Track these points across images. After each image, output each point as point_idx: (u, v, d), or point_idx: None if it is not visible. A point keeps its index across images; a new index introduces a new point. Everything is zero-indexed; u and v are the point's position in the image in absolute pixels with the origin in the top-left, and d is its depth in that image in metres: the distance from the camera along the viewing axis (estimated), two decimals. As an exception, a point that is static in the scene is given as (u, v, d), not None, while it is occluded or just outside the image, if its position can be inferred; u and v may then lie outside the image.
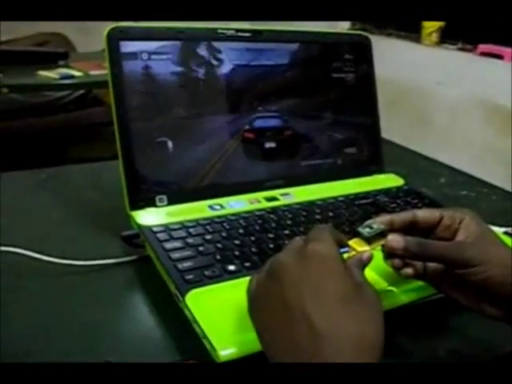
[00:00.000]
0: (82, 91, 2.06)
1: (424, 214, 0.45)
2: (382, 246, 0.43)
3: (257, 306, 0.37)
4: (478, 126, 1.86)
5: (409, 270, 0.44)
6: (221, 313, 0.43)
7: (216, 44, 0.64)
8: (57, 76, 1.55)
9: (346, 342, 0.32)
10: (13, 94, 1.80)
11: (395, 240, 0.43)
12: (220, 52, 0.64)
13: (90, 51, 1.97)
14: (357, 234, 0.43)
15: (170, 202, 0.60)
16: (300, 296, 0.34)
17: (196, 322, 0.42)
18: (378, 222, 0.44)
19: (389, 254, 0.43)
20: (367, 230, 0.43)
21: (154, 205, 0.59)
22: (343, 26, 2.30)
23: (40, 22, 2.27)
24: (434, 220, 0.45)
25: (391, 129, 1.03)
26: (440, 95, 1.98)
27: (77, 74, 1.59)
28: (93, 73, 1.61)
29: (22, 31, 2.18)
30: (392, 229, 0.44)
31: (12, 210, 0.66)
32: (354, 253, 0.42)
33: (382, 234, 0.43)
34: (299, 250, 0.37)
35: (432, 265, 0.44)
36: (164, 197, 0.60)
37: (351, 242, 0.43)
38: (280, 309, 0.34)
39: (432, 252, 0.42)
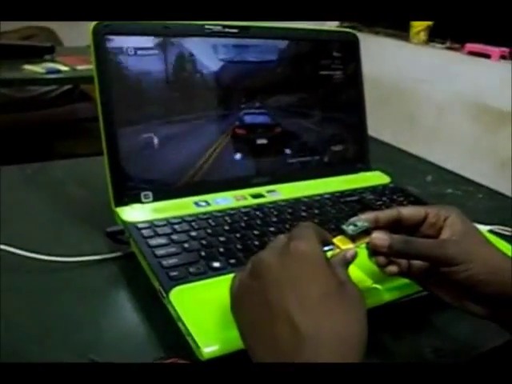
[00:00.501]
0: (68, 86, 2.04)
1: (409, 212, 0.45)
2: (367, 243, 0.43)
3: (239, 304, 0.37)
4: (465, 125, 1.87)
5: (393, 268, 0.44)
6: (205, 310, 0.43)
7: (203, 40, 0.64)
8: (43, 70, 1.53)
9: (328, 342, 0.32)
10: (-1, 88, 1.79)
11: (380, 238, 0.42)
12: (207, 48, 0.64)
13: (77, 46, 1.95)
14: (341, 232, 0.43)
15: (156, 199, 0.59)
16: (282, 295, 0.34)
17: (180, 319, 0.42)
18: (363, 220, 0.43)
19: (373, 251, 0.43)
20: (351, 227, 0.43)
21: (139, 201, 0.59)
22: (331, 24, 2.30)
23: (26, 16, 2.25)
24: (418, 217, 0.45)
25: (379, 127, 1.03)
26: (428, 94, 1.99)
27: (63, 68, 1.57)
28: (79, 67, 1.59)
29: (7, 25, 2.16)
30: (377, 226, 0.44)
31: (-5, 205, 0.65)
32: (338, 250, 0.41)
33: (366, 232, 0.43)
34: (282, 248, 0.37)
35: (417, 262, 0.44)
36: (149, 193, 0.59)
37: (335, 240, 0.42)
38: (262, 308, 0.34)
39: (416, 250, 0.42)
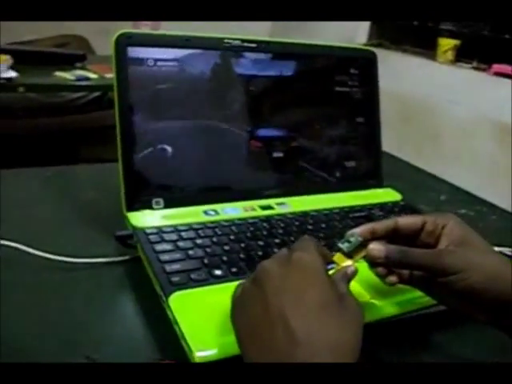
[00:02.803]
0: (98, 93, 2.10)
1: (405, 221, 0.46)
2: (365, 256, 0.44)
3: (239, 310, 0.38)
4: (489, 145, 1.85)
5: (393, 278, 0.44)
6: (202, 315, 0.44)
7: (222, 54, 0.65)
8: (72, 77, 1.57)
9: (321, 348, 0.33)
10: (30, 93, 1.84)
11: (376, 249, 0.43)
12: (225, 61, 0.66)
13: (108, 54, 2.00)
14: (338, 250, 0.44)
15: (167, 206, 0.61)
16: (281, 301, 0.35)
17: (176, 322, 0.43)
18: (357, 234, 0.44)
19: (372, 262, 0.44)
20: (346, 244, 0.44)
21: (150, 207, 0.60)
22: (360, 41, 2.31)
23: (62, 24, 2.32)
24: (415, 226, 0.45)
25: (402, 144, 1.03)
26: (452, 113, 1.98)
27: (92, 76, 1.62)
28: (108, 75, 1.64)
29: (44, 32, 2.23)
30: (375, 237, 0.45)
31: (13, 205, 0.67)
32: (338, 268, 0.42)
33: (362, 245, 0.44)
34: (284, 258, 0.38)
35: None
36: (160, 200, 0.61)
37: (335, 258, 0.43)
38: (261, 313, 0.35)
39: (412, 260, 0.42)
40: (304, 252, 0.38)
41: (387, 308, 0.48)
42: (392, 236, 0.45)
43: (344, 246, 0.43)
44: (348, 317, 0.35)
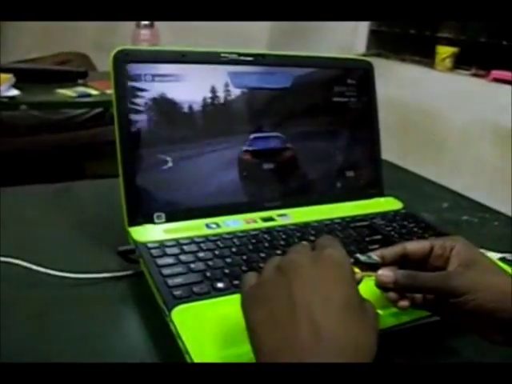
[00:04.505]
0: (100, 109, 2.11)
1: (414, 246, 0.47)
2: (376, 277, 0.45)
3: (255, 299, 0.37)
4: (489, 152, 1.85)
5: (405, 303, 0.45)
6: (205, 329, 0.44)
7: (219, 67, 0.66)
8: (74, 94, 1.58)
9: (344, 347, 0.33)
10: (33, 110, 1.86)
11: (385, 274, 0.44)
12: (222, 75, 0.66)
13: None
14: (354, 260, 0.45)
15: (168, 220, 0.61)
16: (308, 295, 0.34)
17: (179, 336, 0.43)
18: (378, 256, 0.46)
19: (382, 287, 0.45)
20: (365, 257, 0.46)
21: (152, 222, 0.60)
22: (358, 51, 2.33)
23: (64, 42, 2.35)
24: (424, 251, 0.46)
25: (403, 152, 1.03)
26: (452, 120, 1.98)
27: (94, 92, 1.63)
28: (109, 92, 1.64)
29: (46, 50, 2.26)
30: (385, 263, 0.46)
31: (15, 221, 0.68)
32: None
33: (375, 267, 0.45)
34: (314, 253, 0.38)
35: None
36: (162, 214, 0.61)
37: None
38: (285, 305, 0.34)
39: (421, 284, 0.43)
40: (335, 250, 0.38)
41: (395, 317, 0.48)
42: (401, 261, 0.46)
43: (362, 257, 0.46)
44: (368, 319, 0.36)
